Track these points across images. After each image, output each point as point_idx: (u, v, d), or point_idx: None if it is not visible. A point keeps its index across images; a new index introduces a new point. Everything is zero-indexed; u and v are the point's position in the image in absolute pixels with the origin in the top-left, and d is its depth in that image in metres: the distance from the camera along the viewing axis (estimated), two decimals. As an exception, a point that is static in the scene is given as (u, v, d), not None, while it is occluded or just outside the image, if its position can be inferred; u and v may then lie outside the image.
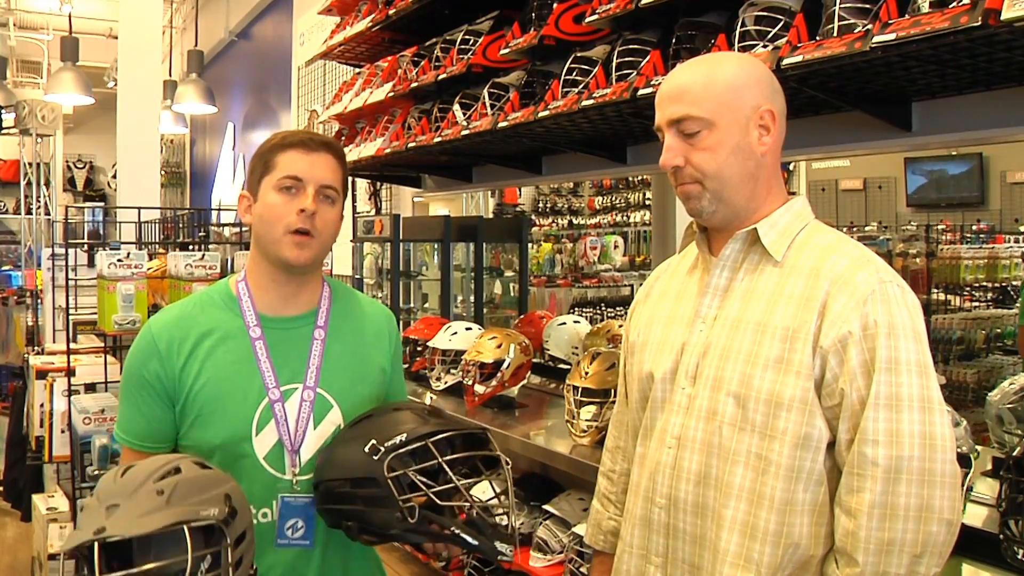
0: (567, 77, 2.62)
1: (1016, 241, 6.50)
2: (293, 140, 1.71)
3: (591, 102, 2.41)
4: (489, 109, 3.07)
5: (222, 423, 1.68)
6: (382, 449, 1.57)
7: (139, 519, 1.38)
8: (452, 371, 3.29)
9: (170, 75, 10.48)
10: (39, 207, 10.31)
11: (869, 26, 1.73)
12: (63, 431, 3.57)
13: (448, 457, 1.59)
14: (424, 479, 1.57)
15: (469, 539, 1.56)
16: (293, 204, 1.67)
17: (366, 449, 1.58)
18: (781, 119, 1.53)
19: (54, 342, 5.79)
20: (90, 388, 3.52)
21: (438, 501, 1.56)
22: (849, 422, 1.38)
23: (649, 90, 2.22)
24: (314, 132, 1.79)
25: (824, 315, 1.41)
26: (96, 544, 1.36)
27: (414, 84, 3.54)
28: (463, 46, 3.31)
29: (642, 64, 2.32)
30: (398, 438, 1.59)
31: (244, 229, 3.67)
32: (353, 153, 4.11)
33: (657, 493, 1.55)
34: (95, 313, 3.43)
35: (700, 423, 1.50)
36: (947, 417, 1.37)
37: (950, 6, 1.59)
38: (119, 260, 3.19)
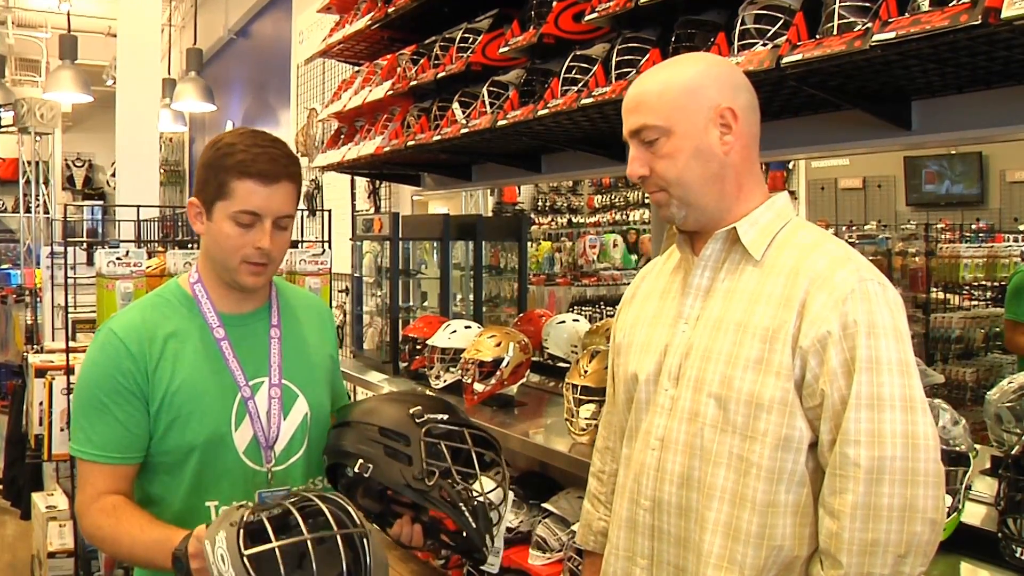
0: (566, 75, 2.62)
1: (1016, 240, 6.50)
2: (252, 170, 1.64)
3: (591, 100, 2.41)
4: (488, 107, 3.06)
5: (202, 421, 1.69)
6: (425, 417, 1.68)
7: None
8: (451, 369, 3.29)
9: (169, 73, 10.46)
10: (38, 206, 10.32)
11: (869, 24, 1.73)
12: (62, 429, 3.57)
13: (476, 449, 1.70)
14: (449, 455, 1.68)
15: (469, 519, 1.63)
16: (249, 238, 1.67)
17: (410, 412, 1.69)
18: (747, 115, 1.52)
19: (53, 340, 5.80)
20: (89, 386, 3.51)
21: (456, 477, 1.65)
22: (831, 423, 1.37)
23: (648, 88, 2.22)
24: (271, 146, 1.69)
25: (803, 315, 1.40)
26: None
27: (413, 82, 3.53)
28: (462, 44, 3.31)
29: (642, 62, 2.32)
30: (441, 416, 1.70)
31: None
32: (352, 152, 4.11)
33: (642, 495, 1.55)
34: (94, 311, 3.43)
35: (683, 424, 1.50)
36: (930, 416, 1.36)
37: (950, 4, 1.59)
38: (118, 258, 3.19)
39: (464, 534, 1.67)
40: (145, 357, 1.67)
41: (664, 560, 1.52)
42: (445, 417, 1.72)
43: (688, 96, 1.48)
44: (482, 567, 1.77)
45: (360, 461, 1.65)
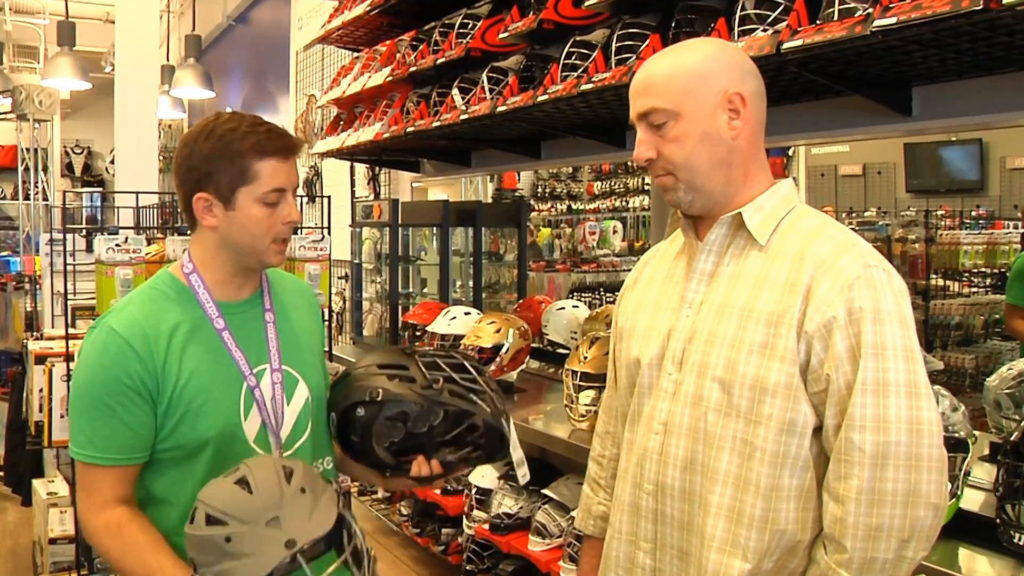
0: (566, 61, 2.61)
1: (1015, 227, 6.50)
2: (270, 148, 1.64)
3: (590, 86, 2.40)
4: (488, 93, 3.06)
5: (214, 414, 1.67)
6: (416, 351, 1.81)
7: (313, 520, 1.47)
8: (451, 356, 3.29)
9: (168, 60, 10.43)
10: (37, 193, 10.31)
11: (870, 9, 1.73)
12: (62, 416, 3.57)
13: (469, 363, 1.82)
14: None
15: (484, 407, 1.75)
16: (278, 215, 1.67)
17: (400, 349, 1.82)
18: (755, 101, 1.51)
19: (53, 327, 5.79)
20: (89, 373, 3.51)
21: (458, 380, 1.75)
22: (836, 408, 1.38)
23: (648, 74, 2.21)
24: (267, 123, 1.70)
25: (808, 300, 1.40)
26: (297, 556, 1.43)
27: (413, 68, 3.52)
28: (462, 30, 3.30)
29: (641, 48, 2.32)
30: (429, 349, 1.84)
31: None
32: (351, 138, 4.10)
33: (645, 479, 1.55)
34: (94, 298, 3.43)
35: (686, 409, 1.50)
36: (934, 401, 1.37)
37: (951, -11, 1.58)
38: (117, 245, 3.19)
39: (482, 435, 1.76)
40: (152, 355, 1.64)
41: (667, 543, 1.53)
42: (432, 348, 1.84)
43: (697, 80, 1.48)
44: (513, 479, 1.83)
45: (369, 391, 1.72)
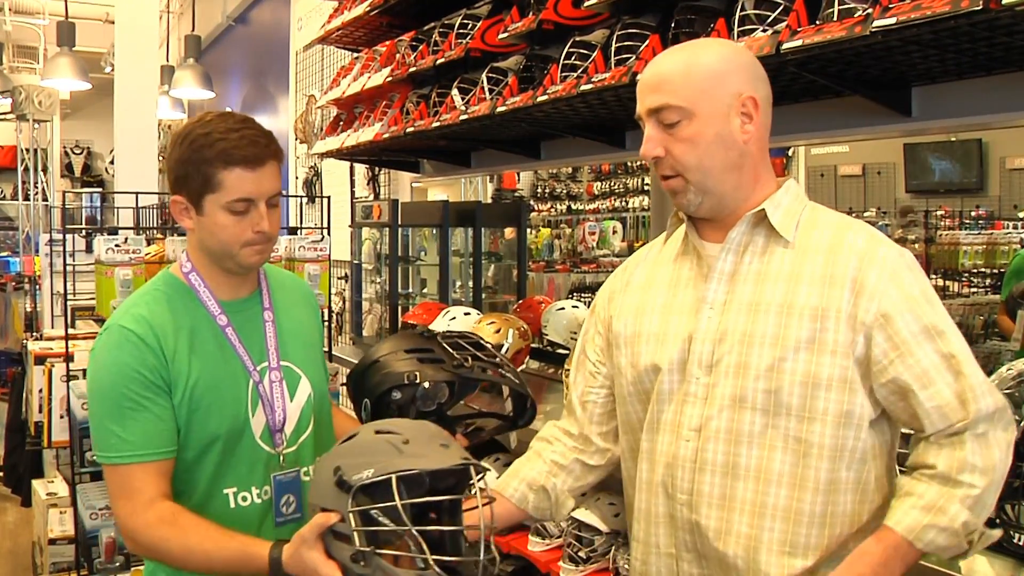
0: (566, 61, 2.61)
1: (1015, 227, 6.50)
2: (236, 156, 1.61)
3: (590, 87, 2.40)
4: (488, 94, 3.06)
5: (223, 411, 1.69)
6: (435, 333, 1.95)
7: (444, 454, 1.45)
8: (451, 356, 3.29)
9: (167, 60, 10.42)
10: (37, 193, 10.31)
11: (869, 10, 1.73)
12: (62, 416, 3.57)
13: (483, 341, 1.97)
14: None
15: (512, 377, 1.92)
16: (247, 223, 1.66)
17: (419, 332, 1.97)
18: (766, 106, 1.51)
19: (52, 328, 5.80)
20: (89, 373, 3.52)
21: (483, 356, 1.91)
22: (923, 392, 1.40)
23: (648, 74, 2.21)
24: (246, 127, 1.65)
25: (858, 291, 1.41)
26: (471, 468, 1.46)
27: (412, 69, 3.52)
28: (461, 30, 3.30)
29: (641, 48, 2.31)
30: (443, 331, 2.00)
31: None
32: (351, 138, 4.10)
33: (678, 489, 1.51)
34: (93, 298, 3.44)
35: (723, 412, 1.47)
36: None
37: (951, -10, 1.58)
38: (117, 245, 3.19)
39: (507, 400, 1.96)
40: (166, 351, 1.65)
41: (708, 552, 1.49)
42: (448, 330, 1.98)
43: (713, 80, 1.46)
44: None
45: (405, 374, 1.82)
